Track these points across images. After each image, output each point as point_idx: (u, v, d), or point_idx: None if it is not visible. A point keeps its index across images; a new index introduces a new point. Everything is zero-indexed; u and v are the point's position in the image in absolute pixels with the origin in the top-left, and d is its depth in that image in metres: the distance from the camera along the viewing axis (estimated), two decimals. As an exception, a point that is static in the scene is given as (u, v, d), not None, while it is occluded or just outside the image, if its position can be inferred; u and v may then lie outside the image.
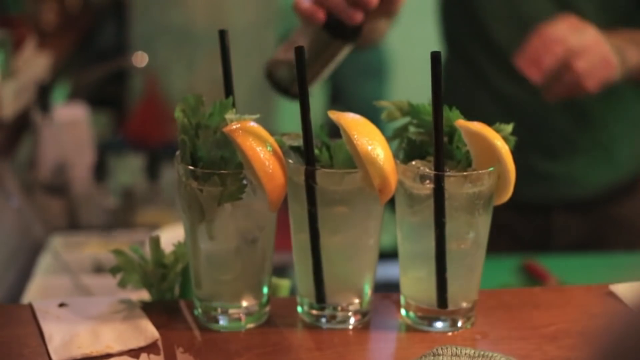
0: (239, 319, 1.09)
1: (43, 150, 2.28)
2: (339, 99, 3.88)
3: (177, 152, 1.05)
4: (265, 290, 1.10)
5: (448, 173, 1.04)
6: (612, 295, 1.17)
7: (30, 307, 1.12)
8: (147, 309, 1.11)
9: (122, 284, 1.13)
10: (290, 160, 1.06)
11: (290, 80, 1.30)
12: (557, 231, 1.93)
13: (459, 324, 1.10)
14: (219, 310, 1.09)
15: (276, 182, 1.02)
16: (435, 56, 1.02)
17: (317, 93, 3.95)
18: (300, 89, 1.03)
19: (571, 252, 1.90)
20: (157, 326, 1.07)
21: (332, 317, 1.10)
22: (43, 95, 2.29)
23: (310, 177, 1.05)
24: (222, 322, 1.09)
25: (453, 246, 1.06)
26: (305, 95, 1.03)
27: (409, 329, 1.10)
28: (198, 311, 1.10)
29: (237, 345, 1.06)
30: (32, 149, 2.37)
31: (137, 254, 1.14)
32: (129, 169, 2.71)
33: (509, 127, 1.08)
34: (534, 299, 1.18)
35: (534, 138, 1.87)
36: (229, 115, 1.03)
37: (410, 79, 2.99)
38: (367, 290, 1.11)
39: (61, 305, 1.11)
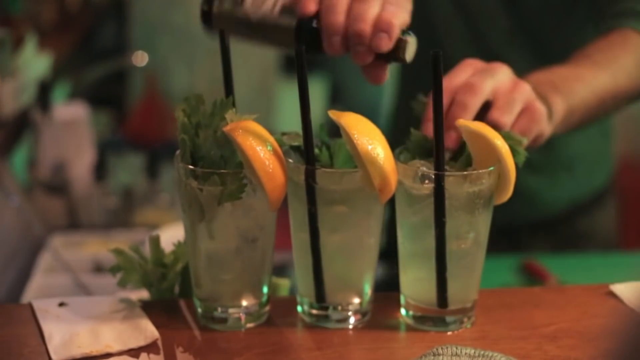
0: (239, 319, 1.09)
1: (43, 149, 2.28)
2: (339, 99, 3.89)
3: (177, 152, 1.05)
4: (265, 289, 1.10)
5: (448, 173, 1.05)
6: (612, 295, 1.17)
7: (30, 306, 1.12)
8: (147, 308, 1.11)
9: (121, 284, 1.13)
10: (290, 160, 1.06)
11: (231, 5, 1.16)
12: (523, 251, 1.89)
13: (459, 323, 1.10)
14: (219, 309, 1.09)
15: (276, 182, 1.02)
16: (435, 56, 1.02)
17: (317, 93, 3.95)
18: (300, 89, 1.03)
19: (571, 252, 1.90)
20: (157, 326, 1.07)
21: (332, 317, 1.10)
22: (43, 95, 2.29)
23: (310, 177, 1.05)
24: (222, 321, 1.09)
25: (453, 246, 1.06)
26: (305, 95, 1.03)
27: (409, 328, 1.10)
28: (198, 311, 1.10)
29: (237, 344, 1.06)
30: (32, 148, 2.36)
31: (137, 254, 1.14)
32: (129, 169, 2.70)
33: (524, 140, 1.09)
34: (534, 299, 1.18)
35: None
36: (229, 115, 1.03)
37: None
38: (367, 289, 1.11)
39: (61, 304, 1.11)
